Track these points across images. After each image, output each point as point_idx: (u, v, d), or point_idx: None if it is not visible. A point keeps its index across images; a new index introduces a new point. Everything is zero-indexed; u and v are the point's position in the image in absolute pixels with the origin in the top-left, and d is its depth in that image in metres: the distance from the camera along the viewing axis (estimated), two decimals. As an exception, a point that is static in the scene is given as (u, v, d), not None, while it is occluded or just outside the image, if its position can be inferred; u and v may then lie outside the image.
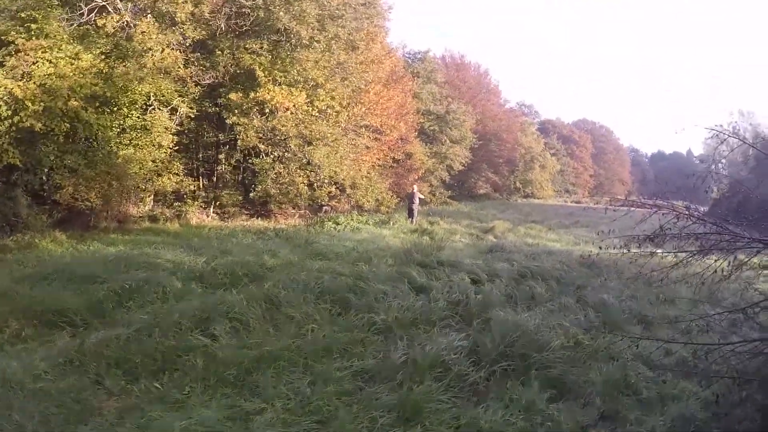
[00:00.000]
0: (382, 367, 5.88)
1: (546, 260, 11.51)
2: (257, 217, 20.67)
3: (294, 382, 5.42)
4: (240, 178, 21.65)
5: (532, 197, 53.74)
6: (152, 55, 15.57)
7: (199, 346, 6.00)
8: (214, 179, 21.12)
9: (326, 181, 19.94)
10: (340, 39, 20.39)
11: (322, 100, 19.85)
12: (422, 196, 24.22)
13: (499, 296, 8.49)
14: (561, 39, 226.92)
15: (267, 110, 18.58)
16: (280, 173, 19.22)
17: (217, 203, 20.06)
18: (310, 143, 19.37)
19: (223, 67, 18.82)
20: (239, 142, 18.73)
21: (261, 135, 18.64)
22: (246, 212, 21.05)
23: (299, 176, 19.20)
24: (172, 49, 16.39)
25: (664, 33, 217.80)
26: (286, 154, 19.42)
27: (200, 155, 20.66)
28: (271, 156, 19.41)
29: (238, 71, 19.00)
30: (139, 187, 15.90)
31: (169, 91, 16.08)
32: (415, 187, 24.06)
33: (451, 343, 6.36)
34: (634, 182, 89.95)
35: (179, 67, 16.49)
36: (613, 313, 8.43)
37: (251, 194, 19.95)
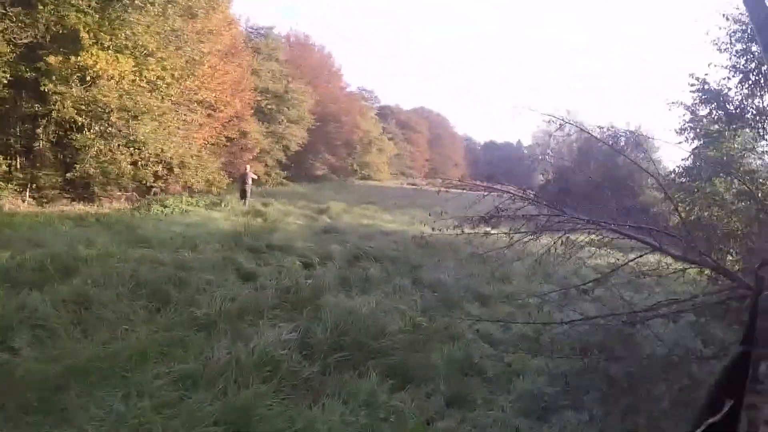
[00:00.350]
0: (204, 370, 5.13)
1: (381, 241, 11.25)
2: (79, 201, 18.28)
3: (107, 397, 4.57)
4: (61, 157, 18.90)
5: (369, 179, 54.21)
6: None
7: (-4, 365, 4.83)
8: (32, 158, 18.38)
9: (151, 159, 18.29)
10: (178, 3, 18.80)
11: (152, 70, 18.14)
12: (255, 176, 23.23)
13: (331, 280, 8.00)
14: (406, 29, 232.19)
15: (89, 78, 16.51)
16: (101, 150, 17.31)
17: (34, 186, 17.58)
18: (135, 117, 17.61)
19: (44, 25, 16.02)
20: (54, 113, 16.37)
21: (80, 107, 16.57)
22: (67, 196, 18.54)
23: (122, 154, 17.46)
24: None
25: (501, 30, 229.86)
26: (108, 129, 17.52)
27: (15, 129, 17.57)
28: (92, 131, 17.47)
29: (62, 31, 16.28)
30: None
31: None
32: (248, 166, 23.03)
33: (280, 335, 5.74)
34: (467, 167, 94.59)
35: None
36: (451, 292, 8.33)
37: (68, 174, 17.77)
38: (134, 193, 20.45)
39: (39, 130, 17.79)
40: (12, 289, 6.97)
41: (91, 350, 5.36)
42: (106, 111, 16.85)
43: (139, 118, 17.61)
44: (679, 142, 14.58)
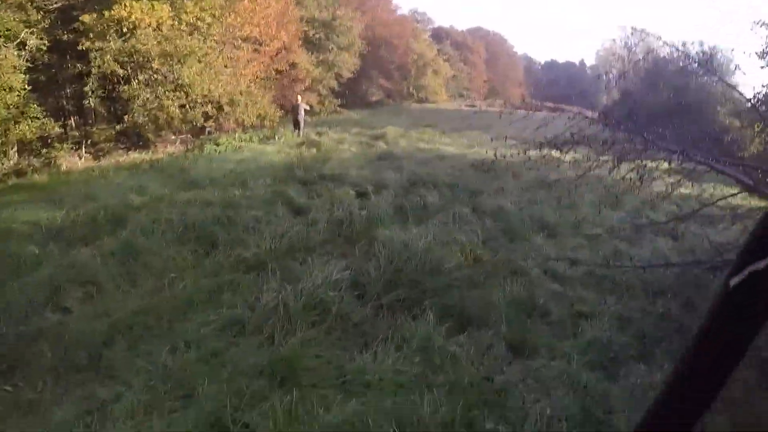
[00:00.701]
0: (251, 315, 4.82)
1: (439, 166, 10.61)
2: (134, 150, 18.31)
3: (154, 350, 4.38)
4: (112, 111, 19.19)
5: (426, 102, 52.79)
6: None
7: (50, 327, 4.79)
8: (84, 115, 18.72)
9: (199, 100, 17.97)
10: None
11: (190, 13, 17.71)
12: (308, 107, 22.75)
13: (386, 210, 7.40)
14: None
15: (126, 30, 16.21)
16: (148, 98, 17.10)
17: (89, 142, 17.70)
18: (178, 61, 17.22)
19: None
20: (93, 69, 15.99)
21: (122, 59, 16.31)
22: (122, 147, 18.70)
23: (168, 99, 17.17)
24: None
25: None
26: (153, 76, 17.20)
27: (66, 91, 17.62)
28: (137, 81, 17.11)
29: None
30: None
31: (7, 22, 13.60)
32: (299, 97, 22.56)
33: (330, 275, 5.28)
34: (528, 87, 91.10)
35: None
36: (514, 222, 7.63)
37: (117, 126, 17.86)
38: (188, 135, 20.39)
39: (86, 88, 17.58)
40: (67, 247, 6.88)
41: (138, 303, 5.18)
42: (147, 59, 16.55)
43: (182, 61, 17.18)
44: (762, 67, 13.08)
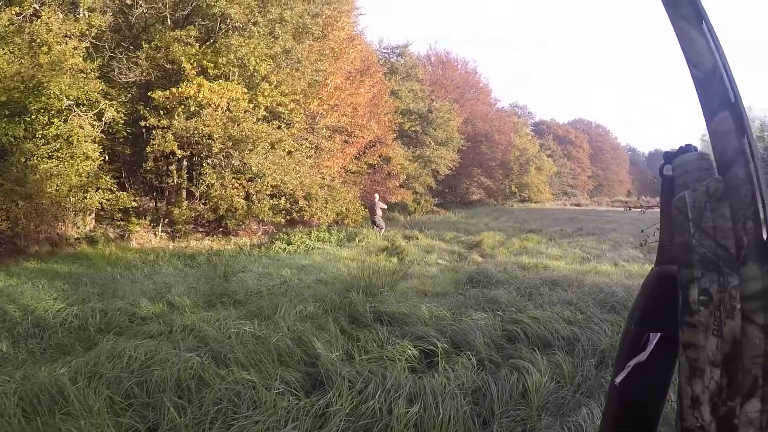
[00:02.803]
0: None
1: (547, 296, 7.57)
2: (213, 236, 17.64)
3: None
4: (195, 192, 17.93)
5: (529, 201, 49.83)
6: (48, 49, 12.65)
7: None
8: (166, 193, 17.82)
9: (268, 192, 16.26)
10: (287, 23, 17.04)
11: (267, 96, 16.46)
12: (384, 205, 20.62)
13: (455, 407, 3.99)
14: (555, 39, 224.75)
15: (193, 108, 15.25)
16: (213, 185, 15.72)
17: (166, 221, 16.82)
18: (248, 148, 15.82)
19: (149, 62, 15.56)
20: (148, 147, 15.05)
21: (185, 139, 15.41)
22: (202, 230, 17.96)
23: (234, 187, 15.74)
24: (71, 38, 13.35)
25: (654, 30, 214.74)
26: (216, 160, 16.28)
27: (148, 166, 16.38)
28: (206, 164, 16.32)
29: (169, 66, 15.71)
30: (61, 205, 13.22)
31: (87, 92, 13.55)
32: (376, 196, 20.40)
33: None
34: (633, 182, 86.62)
35: (78, 62, 13.25)
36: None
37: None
38: (272, 227, 19.16)
39: (171, 167, 16.92)
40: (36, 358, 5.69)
41: None
42: (206, 141, 15.52)
43: (252, 148, 15.71)
44: None
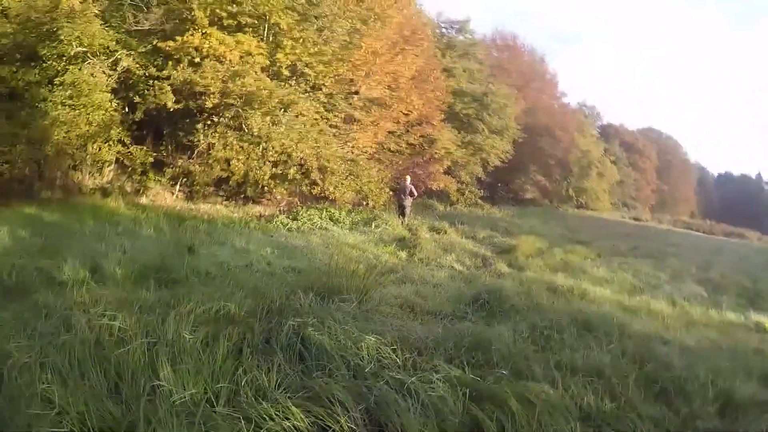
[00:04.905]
0: None
1: (568, 356, 5.01)
2: (233, 201, 16.38)
3: None
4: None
5: (585, 208, 46.34)
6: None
7: None
8: (187, 151, 16.05)
9: (272, 158, 14.31)
10: None
11: (289, 53, 14.73)
12: (415, 192, 18.21)
13: None
14: (634, 41, 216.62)
15: (198, 59, 13.80)
16: (213, 145, 14.16)
17: (185, 180, 15.54)
18: (251, 106, 14.10)
19: (162, 8, 14.37)
20: (137, 98, 13.99)
21: (183, 91, 13.92)
22: (222, 194, 16.57)
23: (232, 149, 14.08)
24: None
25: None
26: (214, 119, 14.48)
27: (137, 117, 14.93)
28: (207, 123, 14.56)
29: (186, 14, 14.20)
30: (68, 153, 13.00)
31: (96, 39, 12.90)
32: (407, 178, 17.84)
33: None
34: (699, 203, 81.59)
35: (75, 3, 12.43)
36: None
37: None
38: (297, 200, 17.58)
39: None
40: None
41: None
42: (203, 97, 13.89)
43: (256, 106, 13.95)
44: None
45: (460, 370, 4.41)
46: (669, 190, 73.53)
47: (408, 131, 22.77)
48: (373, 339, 4.75)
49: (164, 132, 16.33)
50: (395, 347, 4.71)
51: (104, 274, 6.57)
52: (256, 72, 14.29)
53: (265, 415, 3.38)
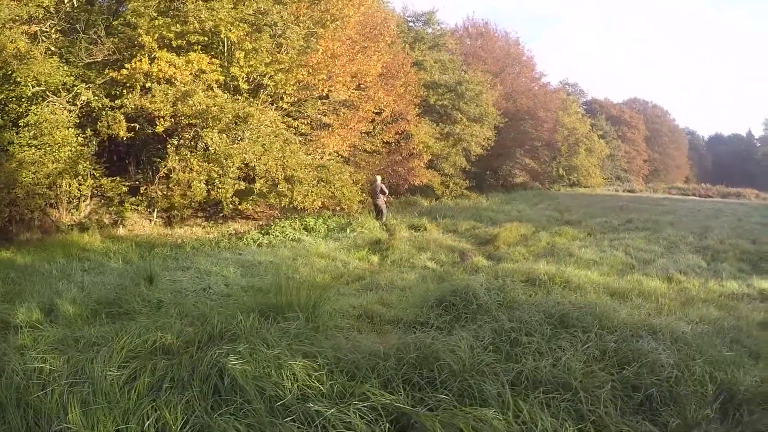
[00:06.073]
0: None
1: (531, 366, 4.10)
2: (211, 222, 16.22)
3: None
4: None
5: (578, 186, 45.46)
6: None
7: None
8: (159, 177, 15.49)
9: (232, 175, 13.78)
10: None
11: (243, 66, 14.27)
12: (385, 188, 17.87)
13: None
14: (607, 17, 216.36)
15: (148, 84, 13.48)
16: (175, 168, 13.83)
17: (159, 206, 15.16)
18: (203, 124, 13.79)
19: (111, 38, 14.01)
20: (88, 130, 13.62)
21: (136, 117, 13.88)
22: (201, 215, 16.52)
23: (191, 170, 13.69)
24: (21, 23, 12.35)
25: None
26: (187, 142, 14.44)
27: (91, 150, 14.41)
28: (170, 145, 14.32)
29: (131, 41, 13.93)
30: (38, 194, 12.52)
31: (59, 75, 12.73)
32: (378, 177, 17.32)
33: None
34: (693, 167, 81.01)
35: (21, 45, 12.13)
36: None
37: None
38: (277, 212, 17.29)
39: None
40: None
41: None
42: (154, 120, 13.70)
43: (211, 124, 13.58)
44: None
45: (394, 395, 3.65)
46: (661, 158, 72.89)
47: (383, 130, 22.03)
48: (301, 364, 4.15)
49: (142, 159, 16.12)
50: (327, 371, 4.11)
51: (58, 313, 6.24)
52: (212, 89, 13.85)
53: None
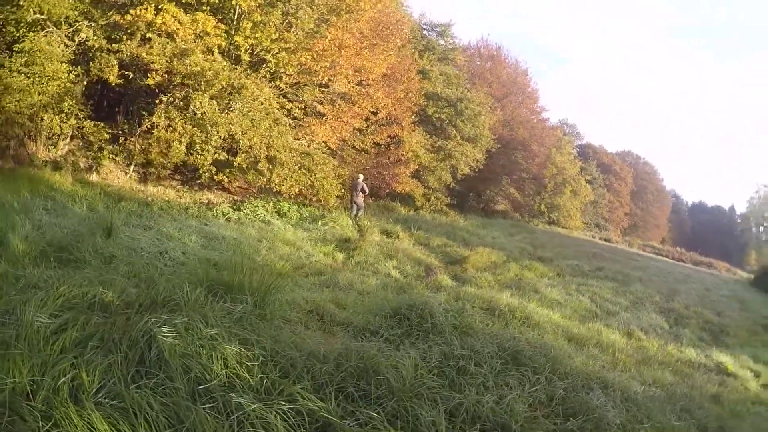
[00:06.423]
0: None
1: (471, 402, 3.90)
2: (186, 187, 15.84)
3: None
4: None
5: (556, 225, 45.61)
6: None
7: None
8: (141, 131, 14.96)
9: (213, 144, 13.42)
10: None
11: (248, 36, 14.01)
12: (366, 189, 17.80)
13: None
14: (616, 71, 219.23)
15: (149, 35, 13.06)
16: (159, 125, 13.38)
17: (140, 160, 14.76)
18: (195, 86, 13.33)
19: None
20: (79, 68, 13.10)
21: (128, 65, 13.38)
22: (179, 178, 16.20)
23: (176, 132, 13.24)
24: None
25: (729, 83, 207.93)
26: (176, 101, 13.68)
27: (77, 89, 13.99)
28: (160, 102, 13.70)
29: None
30: (18, 123, 12.37)
31: (63, 7, 12.27)
32: (360, 176, 17.18)
33: None
34: (672, 230, 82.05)
35: None
36: None
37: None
38: (252, 189, 16.93)
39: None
40: None
41: None
42: (146, 71, 13.26)
43: (204, 87, 13.14)
44: None
45: (324, 402, 3.40)
46: (642, 215, 73.69)
47: (375, 130, 21.81)
48: (235, 350, 3.91)
49: (131, 111, 15.74)
50: (261, 363, 3.89)
51: (6, 248, 6.11)
52: (212, 52, 13.53)
53: (65, 418, 3.02)
